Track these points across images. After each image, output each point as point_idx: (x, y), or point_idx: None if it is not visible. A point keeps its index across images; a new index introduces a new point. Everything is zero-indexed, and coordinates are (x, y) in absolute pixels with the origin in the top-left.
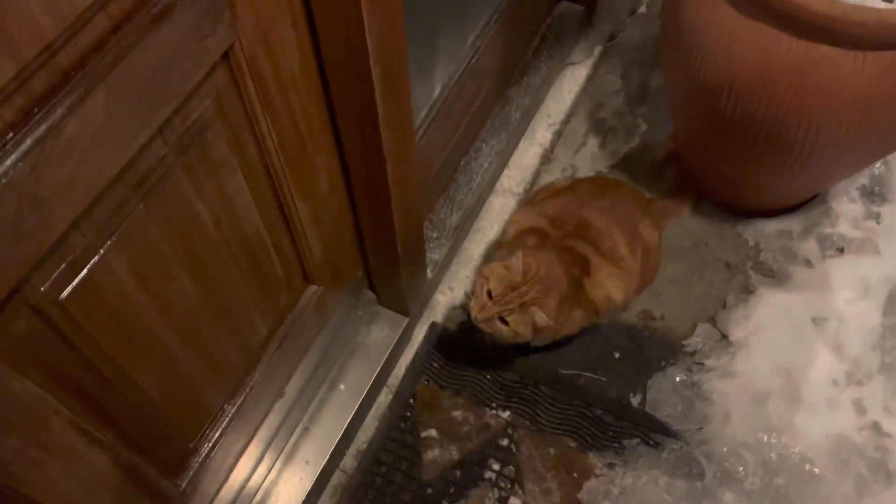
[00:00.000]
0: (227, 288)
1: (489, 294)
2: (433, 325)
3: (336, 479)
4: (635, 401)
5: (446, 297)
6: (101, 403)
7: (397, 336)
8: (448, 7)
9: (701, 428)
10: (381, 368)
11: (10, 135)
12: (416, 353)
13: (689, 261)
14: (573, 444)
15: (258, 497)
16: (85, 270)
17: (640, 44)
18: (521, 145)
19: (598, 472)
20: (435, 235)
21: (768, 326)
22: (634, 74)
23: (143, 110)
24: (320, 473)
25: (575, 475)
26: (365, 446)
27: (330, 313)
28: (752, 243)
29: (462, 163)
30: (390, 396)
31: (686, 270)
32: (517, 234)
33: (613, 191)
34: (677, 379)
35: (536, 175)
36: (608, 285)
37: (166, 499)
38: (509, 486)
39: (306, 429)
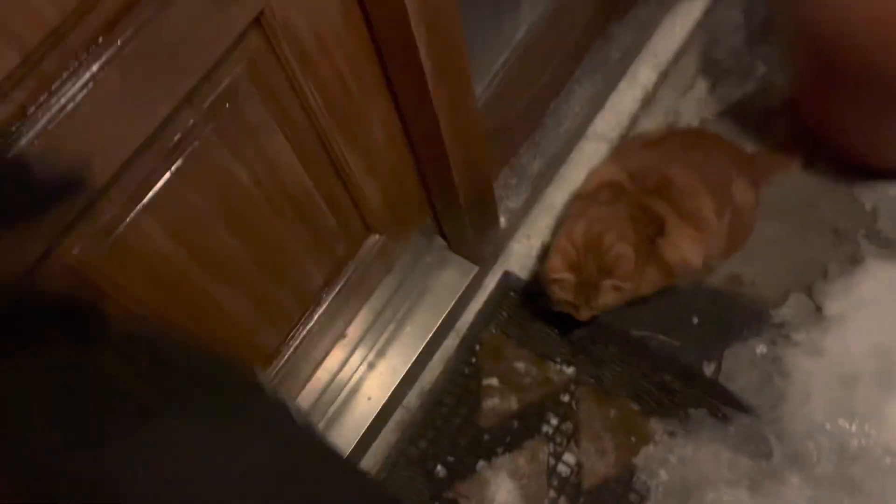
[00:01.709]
0: (273, 241)
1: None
2: (506, 274)
3: (399, 415)
4: (708, 370)
5: (523, 246)
6: None
7: (466, 282)
8: None
9: (776, 405)
10: (449, 313)
11: (24, 116)
12: (487, 301)
13: (791, 222)
14: (636, 408)
15: (320, 427)
16: (116, 234)
17: None
18: (621, 86)
19: (657, 438)
20: (514, 182)
21: (871, 302)
22: (759, 7)
23: (163, 84)
24: (382, 408)
25: (633, 439)
26: (429, 387)
27: (395, 259)
28: (868, 208)
29: (552, 105)
30: (457, 341)
31: (787, 232)
32: (594, 187)
33: (708, 146)
34: (758, 351)
35: (634, 120)
36: (684, 247)
37: None
38: (565, 442)
39: (371, 365)
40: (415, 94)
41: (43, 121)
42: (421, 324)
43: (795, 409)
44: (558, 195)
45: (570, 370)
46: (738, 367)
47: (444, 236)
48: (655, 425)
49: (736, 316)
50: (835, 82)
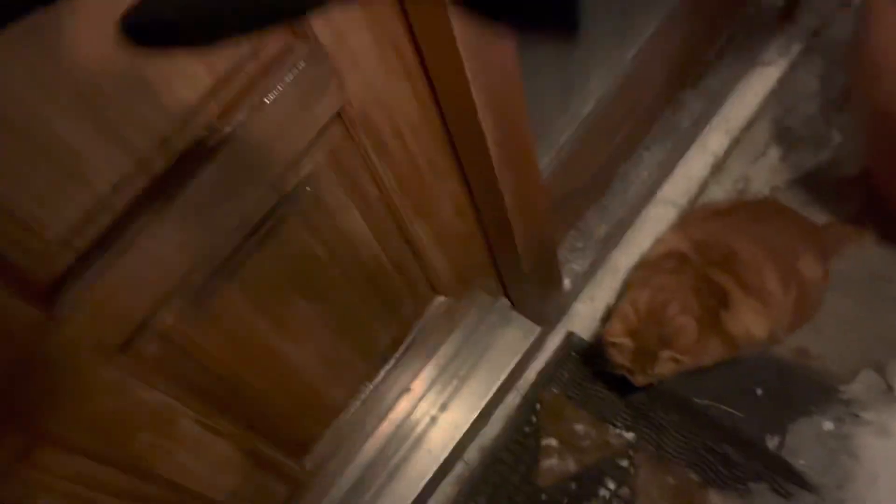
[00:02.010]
0: (344, 306)
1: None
2: (569, 335)
3: (458, 469)
4: (772, 443)
5: (587, 307)
6: (225, 405)
7: (529, 342)
8: (612, 15)
9: (842, 486)
10: (511, 371)
11: (132, 208)
12: (549, 361)
13: (863, 296)
14: (695, 478)
15: (382, 478)
16: (204, 304)
17: (850, 40)
18: (691, 152)
19: None
20: (580, 245)
21: None
22: (836, 77)
23: (252, 175)
24: (442, 462)
25: None
26: (489, 443)
27: (460, 319)
28: None
29: (620, 170)
30: (518, 399)
31: (858, 307)
32: (659, 256)
33: (776, 218)
34: (825, 427)
35: (704, 186)
36: (748, 321)
37: (291, 477)
38: None
39: (433, 419)
40: (482, 176)
41: (150, 210)
42: (483, 380)
43: (862, 491)
44: (624, 258)
45: (629, 435)
46: (803, 443)
47: (508, 296)
48: (714, 497)
49: (802, 390)
50: None
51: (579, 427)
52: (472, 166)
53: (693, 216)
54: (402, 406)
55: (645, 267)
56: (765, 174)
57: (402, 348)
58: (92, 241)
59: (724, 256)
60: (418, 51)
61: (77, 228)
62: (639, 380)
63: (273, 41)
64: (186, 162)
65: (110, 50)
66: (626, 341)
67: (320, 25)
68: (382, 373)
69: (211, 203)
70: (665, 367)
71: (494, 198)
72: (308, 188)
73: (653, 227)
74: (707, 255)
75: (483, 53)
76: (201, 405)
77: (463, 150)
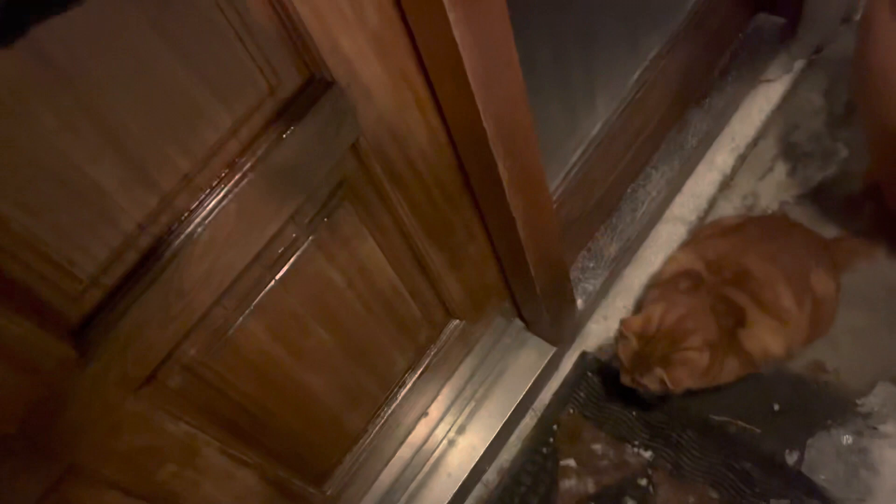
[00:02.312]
0: (361, 333)
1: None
2: (583, 355)
3: (477, 491)
4: (791, 459)
5: (600, 327)
6: (248, 434)
7: (544, 363)
8: (616, 38)
9: (863, 501)
10: (527, 393)
11: (157, 246)
12: (564, 381)
13: (877, 310)
14: (714, 496)
15: (402, 502)
16: (227, 336)
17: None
18: (698, 170)
19: None
20: (591, 265)
21: None
22: (840, 92)
23: (272, 208)
24: (461, 485)
25: None
26: (507, 465)
27: (475, 341)
28: None
29: (629, 190)
30: (535, 420)
31: (872, 321)
32: (672, 275)
33: (786, 235)
34: (844, 441)
35: (712, 203)
36: (765, 338)
37: (312, 503)
38: None
39: (451, 442)
40: (494, 202)
41: (173, 247)
42: (500, 402)
43: None
44: (636, 277)
45: (647, 454)
46: (822, 458)
47: (522, 318)
48: None
49: (819, 404)
50: None
51: (597, 447)
52: (484, 192)
53: (702, 233)
54: (420, 430)
55: (658, 286)
56: (772, 190)
57: (418, 372)
58: (119, 278)
59: (737, 275)
60: (428, 82)
61: (105, 266)
62: (625, 379)
63: (289, 78)
64: (207, 198)
65: (140, 93)
66: (633, 340)
67: (334, 62)
68: (399, 397)
69: (231, 238)
70: (652, 382)
71: (506, 222)
72: (325, 219)
73: (663, 244)
74: (719, 274)
75: (492, 82)
76: (226, 435)
77: (475, 177)
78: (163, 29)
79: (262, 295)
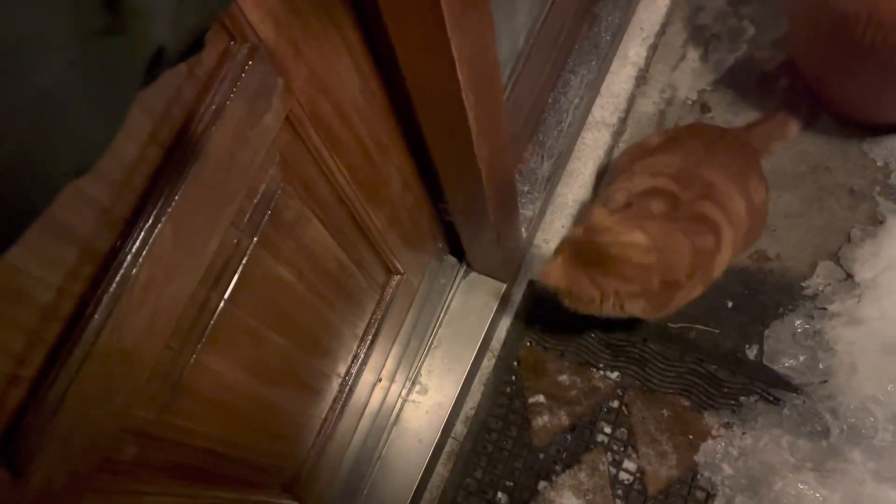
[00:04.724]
0: (315, 323)
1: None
2: (531, 284)
3: (449, 446)
4: (751, 353)
5: (542, 251)
6: (216, 475)
7: (497, 302)
8: None
9: (825, 381)
10: (482, 335)
11: (83, 307)
12: (517, 315)
13: (806, 188)
14: (687, 404)
15: (375, 473)
16: (180, 381)
17: None
18: (613, 67)
19: (714, 432)
20: (526, 189)
21: None
22: None
23: (211, 218)
24: (435, 447)
25: (690, 437)
26: (473, 412)
27: (415, 292)
28: (880, 163)
29: (550, 100)
30: (493, 361)
31: (803, 200)
32: (641, 192)
33: (723, 144)
34: (797, 327)
35: (631, 101)
36: (727, 255)
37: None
38: (622, 448)
39: (416, 404)
40: (458, 154)
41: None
42: (460, 353)
43: (844, 383)
44: (569, 193)
45: (614, 375)
46: (780, 347)
47: (462, 257)
48: (710, 419)
49: (769, 294)
50: (847, 54)
51: (563, 378)
52: (445, 146)
53: (630, 157)
54: (378, 396)
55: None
56: (688, 79)
57: (366, 342)
58: (41, 364)
59: (706, 187)
60: (359, 23)
61: (21, 357)
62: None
63: (208, 48)
64: (134, 227)
65: None
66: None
67: (258, 19)
68: (354, 372)
69: (172, 268)
70: (589, 290)
71: (470, 173)
72: (268, 211)
73: (591, 152)
74: (691, 188)
75: (466, 22)
76: (193, 488)
77: (432, 131)
78: None
79: (212, 322)
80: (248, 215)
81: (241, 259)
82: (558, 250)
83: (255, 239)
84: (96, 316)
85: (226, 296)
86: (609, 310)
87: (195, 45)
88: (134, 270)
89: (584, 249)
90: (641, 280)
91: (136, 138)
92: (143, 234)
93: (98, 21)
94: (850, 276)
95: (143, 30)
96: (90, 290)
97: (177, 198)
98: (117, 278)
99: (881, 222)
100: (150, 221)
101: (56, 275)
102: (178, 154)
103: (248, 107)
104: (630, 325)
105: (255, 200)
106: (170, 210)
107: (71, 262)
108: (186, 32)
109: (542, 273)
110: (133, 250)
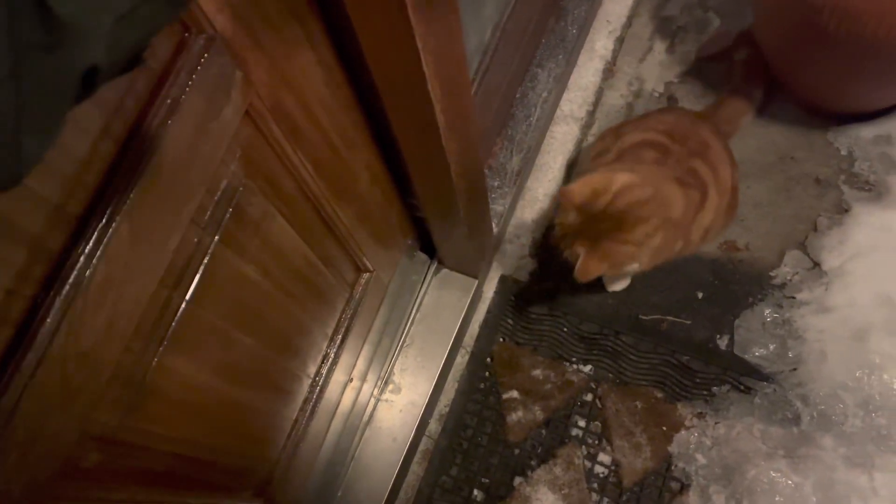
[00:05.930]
0: (284, 322)
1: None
2: (503, 279)
3: (423, 444)
4: (723, 343)
5: (514, 247)
6: (186, 479)
7: (469, 298)
8: None
9: (795, 369)
10: (454, 331)
11: (35, 309)
12: (489, 311)
13: (773, 178)
14: (660, 395)
15: (350, 473)
16: (143, 384)
17: None
18: (580, 60)
19: (688, 423)
20: (496, 184)
21: (867, 251)
22: None
23: (170, 216)
24: (409, 446)
25: (664, 428)
26: (447, 410)
27: (385, 289)
28: (844, 152)
29: (518, 94)
30: (466, 357)
31: (771, 190)
32: (633, 144)
33: (697, 127)
34: (767, 316)
35: (599, 94)
36: (708, 217)
37: None
38: (597, 441)
39: (389, 403)
40: (426, 149)
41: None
42: (432, 351)
43: (814, 370)
44: (539, 188)
45: (587, 368)
46: (750, 336)
47: (432, 254)
48: (683, 410)
49: (738, 284)
50: (811, 43)
51: (537, 372)
52: (413, 140)
53: (605, 141)
54: (348, 396)
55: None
56: (655, 71)
57: (337, 341)
58: None
59: (700, 145)
60: (320, 13)
61: None
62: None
63: (160, 44)
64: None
65: None
66: (572, 215)
67: (214, 10)
68: (325, 371)
69: (130, 268)
70: (571, 257)
71: (439, 168)
72: (230, 209)
73: (560, 146)
74: (685, 143)
75: (432, 13)
76: (163, 494)
77: (400, 124)
78: None
79: (175, 323)
80: (209, 212)
81: (203, 258)
82: (565, 244)
83: (217, 237)
84: (49, 318)
85: (188, 296)
86: (647, 254)
87: (133, 61)
88: (89, 271)
89: (593, 228)
90: (654, 211)
91: (87, 132)
92: (97, 232)
93: (33, 37)
94: (817, 264)
95: (78, 48)
96: (42, 292)
97: (132, 194)
98: (70, 279)
99: (847, 210)
100: (105, 219)
101: (4, 276)
102: (133, 149)
103: (205, 100)
104: (602, 317)
105: (216, 197)
106: (125, 207)
107: (20, 262)
108: (122, 51)
109: (579, 271)
110: (87, 250)
